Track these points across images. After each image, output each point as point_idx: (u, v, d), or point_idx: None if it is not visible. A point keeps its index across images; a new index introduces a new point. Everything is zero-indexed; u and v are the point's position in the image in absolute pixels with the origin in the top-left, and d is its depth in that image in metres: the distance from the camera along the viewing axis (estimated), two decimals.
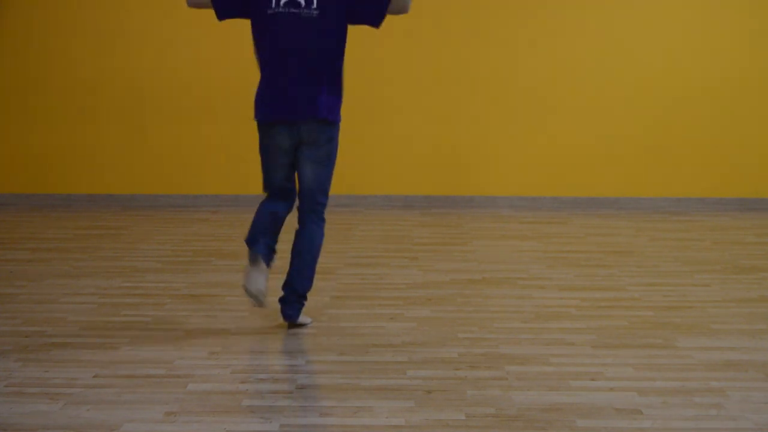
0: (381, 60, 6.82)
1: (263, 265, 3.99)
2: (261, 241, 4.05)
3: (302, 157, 4.01)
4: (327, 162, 4.03)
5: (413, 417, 3.05)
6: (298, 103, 3.96)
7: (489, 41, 6.84)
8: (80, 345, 3.75)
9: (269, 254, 4.08)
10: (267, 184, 4.14)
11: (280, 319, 4.07)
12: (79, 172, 6.95)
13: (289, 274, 4.07)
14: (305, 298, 4.08)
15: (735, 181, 6.97)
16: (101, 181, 6.97)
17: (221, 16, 4.20)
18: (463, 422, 3.02)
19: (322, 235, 4.12)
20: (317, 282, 4.76)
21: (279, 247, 4.13)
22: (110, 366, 3.51)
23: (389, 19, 6.59)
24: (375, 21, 4.05)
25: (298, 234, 4.10)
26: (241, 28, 6.76)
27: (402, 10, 4.07)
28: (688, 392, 3.29)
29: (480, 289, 4.69)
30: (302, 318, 4.08)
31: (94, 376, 3.40)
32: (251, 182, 6.95)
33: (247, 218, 6.46)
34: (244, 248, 5.53)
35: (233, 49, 6.82)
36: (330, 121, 3.98)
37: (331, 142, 4.01)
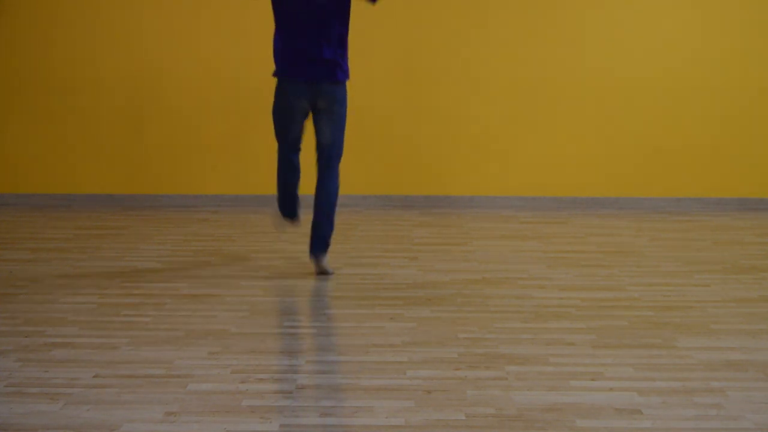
0: (380, 60, 6.82)
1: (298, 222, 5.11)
2: (293, 209, 5.06)
3: (320, 119, 4.80)
4: (341, 122, 4.81)
5: (413, 417, 3.05)
6: (317, 67, 4.72)
7: (489, 41, 6.83)
8: (80, 345, 3.75)
9: (299, 212, 5.12)
10: (281, 139, 4.93)
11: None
12: (79, 172, 6.95)
13: (314, 222, 4.86)
14: (329, 241, 4.88)
15: (735, 181, 6.97)
16: (101, 181, 6.96)
17: None
18: (463, 422, 3.02)
19: (337, 185, 4.90)
20: (318, 282, 4.78)
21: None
22: (110, 366, 3.51)
23: (390, 18, 6.63)
24: None
25: (318, 187, 4.87)
26: (242, 27, 6.78)
27: None
28: (688, 392, 3.29)
29: (480, 289, 4.69)
30: (326, 262, 4.86)
31: (94, 376, 3.40)
32: (251, 182, 6.96)
33: (248, 218, 6.51)
34: (244, 248, 5.56)
35: (234, 49, 6.82)
36: (342, 81, 4.77)
37: (344, 103, 4.80)
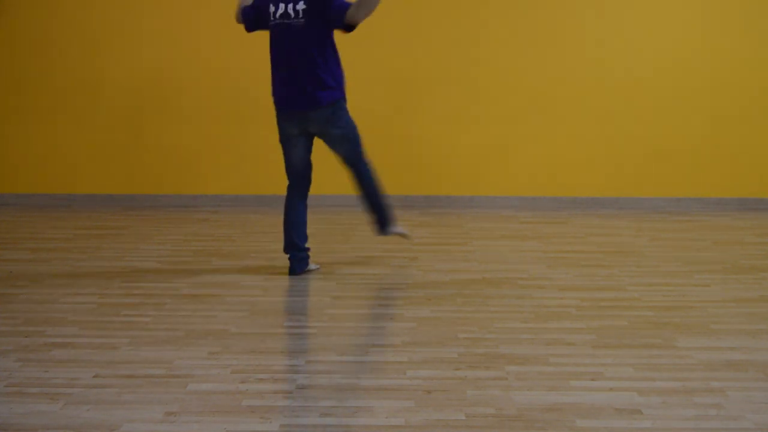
0: (381, 60, 6.82)
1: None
2: (295, 254, 4.91)
3: (325, 141, 4.87)
4: (344, 137, 4.84)
5: (413, 417, 3.05)
6: (297, 95, 4.72)
7: (489, 41, 6.84)
8: (80, 345, 3.75)
9: (306, 261, 4.97)
10: (287, 167, 4.92)
11: (283, 318, 4.10)
12: (79, 172, 6.96)
13: (369, 211, 5.03)
14: (388, 216, 5.03)
15: (735, 181, 6.97)
16: (101, 181, 6.97)
17: (248, 29, 5.00)
18: (463, 422, 3.02)
19: (369, 171, 4.96)
20: (318, 281, 4.78)
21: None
22: (110, 366, 3.51)
23: (390, 18, 6.63)
24: (341, 26, 4.69)
25: (353, 180, 4.98)
26: (242, 28, 6.77)
27: (357, 17, 4.63)
28: (688, 392, 3.29)
29: (480, 289, 4.69)
30: (398, 229, 5.14)
31: (94, 376, 3.40)
32: (251, 182, 6.97)
33: (248, 218, 6.51)
34: (244, 248, 5.56)
35: (233, 49, 6.82)
36: (325, 104, 4.71)
37: (338, 122, 4.78)
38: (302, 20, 4.67)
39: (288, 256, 4.96)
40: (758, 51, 6.85)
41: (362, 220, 6.45)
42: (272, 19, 4.74)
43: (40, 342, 3.78)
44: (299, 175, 4.91)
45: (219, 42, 6.83)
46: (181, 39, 6.83)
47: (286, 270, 5.00)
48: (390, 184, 7.01)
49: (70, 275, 4.89)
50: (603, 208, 6.92)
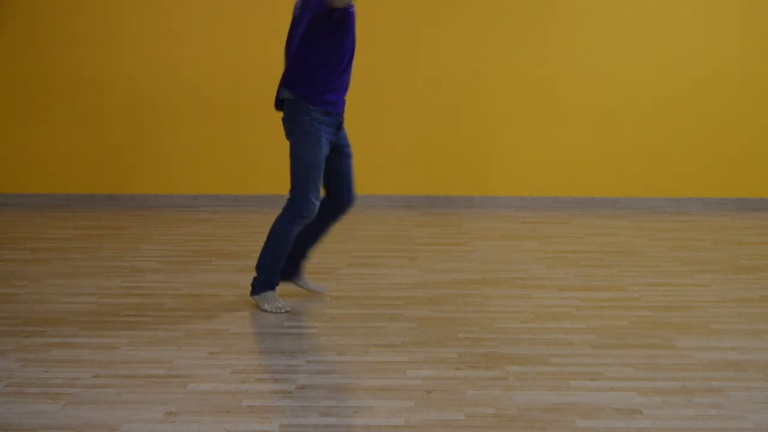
0: (381, 60, 6.82)
1: None
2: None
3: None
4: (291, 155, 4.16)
5: (413, 417, 3.05)
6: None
7: (488, 42, 6.84)
8: (80, 345, 3.75)
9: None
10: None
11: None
12: (79, 172, 6.96)
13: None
14: (257, 273, 4.31)
15: (735, 181, 6.98)
16: (101, 181, 6.96)
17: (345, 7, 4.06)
18: (463, 422, 3.02)
19: (279, 220, 4.27)
20: (318, 282, 4.77)
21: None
22: (110, 366, 3.51)
23: (392, 18, 6.63)
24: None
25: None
26: (242, 28, 6.78)
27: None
28: (688, 392, 3.29)
29: (480, 289, 4.69)
30: (257, 298, 4.31)
31: (94, 376, 3.40)
32: (251, 182, 6.96)
33: (248, 218, 6.51)
34: (244, 248, 5.56)
35: (233, 50, 6.82)
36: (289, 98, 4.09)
37: (291, 131, 4.13)
38: (298, 11, 4.14)
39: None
40: (758, 51, 6.85)
41: (362, 219, 6.45)
42: (351, 5, 3.99)
43: (40, 342, 3.77)
44: None
45: (219, 42, 6.83)
46: (181, 39, 6.83)
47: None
48: (390, 184, 7.04)
49: (70, 275, 4.89)
50: (603, 208, 6.92)
